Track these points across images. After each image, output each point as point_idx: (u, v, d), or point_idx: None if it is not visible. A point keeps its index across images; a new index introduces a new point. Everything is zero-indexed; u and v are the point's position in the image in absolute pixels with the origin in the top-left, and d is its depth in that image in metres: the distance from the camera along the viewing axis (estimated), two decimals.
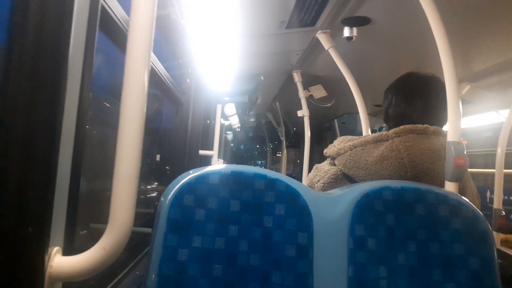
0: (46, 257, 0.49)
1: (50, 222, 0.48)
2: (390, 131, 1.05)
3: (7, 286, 0.44)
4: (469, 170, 1.08)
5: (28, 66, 0.44)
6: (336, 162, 1.09)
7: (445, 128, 1.09)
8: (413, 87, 1.15)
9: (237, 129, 6.10)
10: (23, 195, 0.44)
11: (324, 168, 1.14)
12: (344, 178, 1.08)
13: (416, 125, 1.04)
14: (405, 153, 0.99)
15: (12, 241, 0.44)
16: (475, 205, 0.83)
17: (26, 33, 0.44)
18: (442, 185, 1.00)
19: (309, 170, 2.30)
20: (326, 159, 1.20)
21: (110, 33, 0.87)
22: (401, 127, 1.04)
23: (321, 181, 1.11)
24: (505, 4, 1.34)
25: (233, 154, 11.10)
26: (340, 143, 1.11)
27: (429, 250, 0.77)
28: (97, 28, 0.61)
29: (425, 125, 1.04)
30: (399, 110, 1.14)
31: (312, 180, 1.17)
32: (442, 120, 1.11)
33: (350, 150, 1.06)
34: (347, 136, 1.16)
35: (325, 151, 1.15)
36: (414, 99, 1.11)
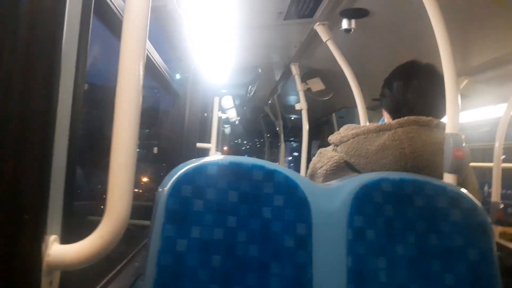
0: (43, 246, 0.48)
1: (46, 210, 0.48)
2: (393, 121, 1.05)
3: (4, 275, 0.44)
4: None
5: (20, 53, 0.43)
6: (338, 149, 1.09)
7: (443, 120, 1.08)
8: (412, 72, 1.14)
9: (235, 123, 6.09)
10: (18, 182, 0.43)
11: (328, 155, 1.13)
12: (347, 167, 1.08)
13: (420, 117, 1.03)
14: (407, 144, 0.99)
15: (8, 229, 0.43)
16: None
17: (18, 20, 0.43)
18: (441, 177, 1.00)
19: (307, 163, 2.30)
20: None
21: (105, 20, 0.85)
22: (405, 118, 1.03)
23: (324, 168, 1.10)
24: None
25: (230, 148, 11.11)
26: (344, 131, 1.11)
27: (428, 242, 0.77)
28: (92, 13, 0.60)
29: (429, 118, 1.03)
30: (398, 96, 1.13)
31: (315, 165, 1.16)
32: (441, 112, 1.10)
33: (353, 138, 1.05)
34: (353, 124, 1.15)
35: (329, 137, 1.14)
36: (413, 84, 1.10)
